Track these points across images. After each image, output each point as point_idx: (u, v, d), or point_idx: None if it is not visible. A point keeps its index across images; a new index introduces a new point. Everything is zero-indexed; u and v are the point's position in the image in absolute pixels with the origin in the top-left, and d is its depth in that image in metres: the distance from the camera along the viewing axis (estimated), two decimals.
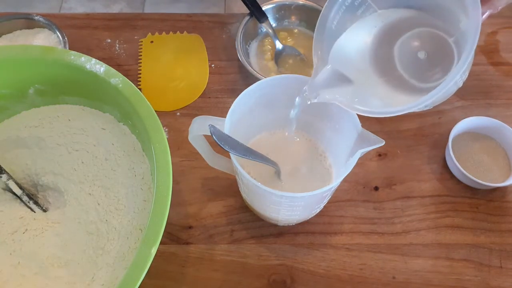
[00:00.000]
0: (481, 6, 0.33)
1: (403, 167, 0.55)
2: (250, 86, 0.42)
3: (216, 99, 0.60)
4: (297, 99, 0.42)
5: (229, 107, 0.41)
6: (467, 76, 0.37)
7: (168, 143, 0.41)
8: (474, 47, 0.30)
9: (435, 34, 0.39)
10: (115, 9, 1.46)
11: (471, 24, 0.30)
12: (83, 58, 0.46)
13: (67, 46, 0.60)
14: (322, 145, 0.50)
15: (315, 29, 0.40)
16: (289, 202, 0.40)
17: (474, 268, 0.48)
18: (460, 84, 0.37)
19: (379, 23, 0.41)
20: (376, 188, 0.53)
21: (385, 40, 0.41)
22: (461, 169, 0.51)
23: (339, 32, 0.41)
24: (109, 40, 0.65)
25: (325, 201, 0.46)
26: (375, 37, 0.41)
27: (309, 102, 0.40)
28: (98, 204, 0.45)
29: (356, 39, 0.41)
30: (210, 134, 0.36)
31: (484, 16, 0.35)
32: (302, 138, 0.50)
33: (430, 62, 0.39)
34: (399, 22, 0.40)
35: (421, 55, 0.39)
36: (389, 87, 0.40)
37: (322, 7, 0.66)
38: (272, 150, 0.48)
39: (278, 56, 0.62)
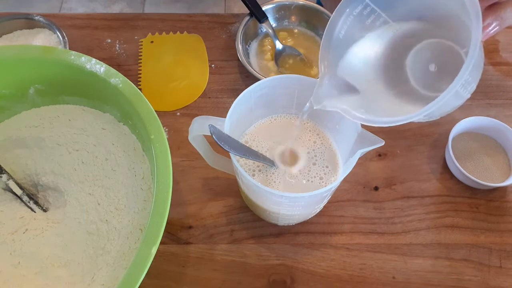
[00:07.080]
0: (488, 17, 0.32)
1: (403, 167, 0.55)
2: (250, 86, 0.42)
3: (216, 99, 0.60)
4: (307, 104, 0.41)
5: (229, 107, 0.41)
6: (474, 88, 0.36)
7: (168, 143, 0.41)
8: (473, 58, 0.29)
9: (447, 46, 0.37)
10: (115, 9, 1.47)
11: (472, 32, 0.30)
12: (83, 58, 0.46)
13: (67, 46, 0.60)
14: (326, 142, 0.49)
15: (323, 37, 0.39)
16: (289, 202, 0.40)
17: (473, 268, 0.48)
18: (467, 96, 0.36)
19: (390, 34, 0.39)
20: (376, 188, 0.53)
21: (397, 52, 0.39)
22: (461, 169, 0.51)
23: (346, 42, 0.40)
24: (109, 40, 0.65)
25: (325, 201, 0.46)
26: (386, 49, 0.40)
27: (314, 108, 0.40)
28: (98, 204, 0.45)
29: (366, 50, 0.40)
30: (210, 134, 0.36)
31: (491, 28, 0.34)
32: (306, 132, 0.50)
33: (441, 74, 0.38)
34: (411, 34, 0.39)
35: (432, 67, 0.38)
36: (398, 99, 0.38)
37: (322, 7, 0.65)
38: (273, 143, 0.48)
39: (278, 56, 0.62)
